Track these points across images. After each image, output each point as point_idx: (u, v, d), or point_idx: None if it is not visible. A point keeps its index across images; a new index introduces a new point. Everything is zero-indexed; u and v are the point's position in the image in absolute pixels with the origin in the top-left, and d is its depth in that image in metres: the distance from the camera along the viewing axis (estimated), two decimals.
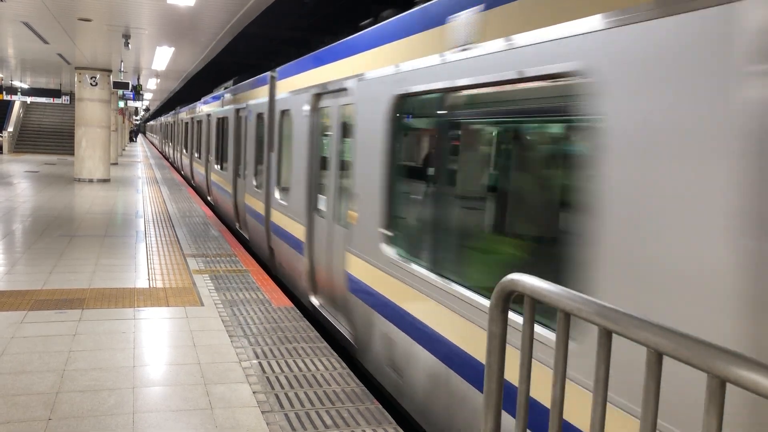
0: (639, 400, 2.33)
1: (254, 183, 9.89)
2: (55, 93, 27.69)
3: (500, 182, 3.68)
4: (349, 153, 5.62)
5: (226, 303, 6.34)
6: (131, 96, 24.86)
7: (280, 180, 8.32)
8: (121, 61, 17.43)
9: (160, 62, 17.36)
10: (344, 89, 5.75)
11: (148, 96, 34.08)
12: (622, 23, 2.49)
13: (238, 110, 11.70)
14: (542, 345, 2.90)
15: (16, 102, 34.59)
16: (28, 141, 36.02)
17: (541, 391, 2.87)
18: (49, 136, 36.93)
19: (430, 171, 4.39)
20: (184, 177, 23.24)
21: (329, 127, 6.35)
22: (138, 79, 22.51)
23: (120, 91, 24.89)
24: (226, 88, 13.87)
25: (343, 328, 5.73)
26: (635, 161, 2.42)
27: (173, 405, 3.95)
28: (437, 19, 3.96)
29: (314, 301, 6.66)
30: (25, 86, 28.11)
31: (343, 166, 5.92)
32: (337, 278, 5.91)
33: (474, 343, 3.52)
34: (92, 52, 16.07)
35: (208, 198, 15.98)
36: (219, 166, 14.17)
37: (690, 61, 2.21)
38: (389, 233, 4.76)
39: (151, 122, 73.93)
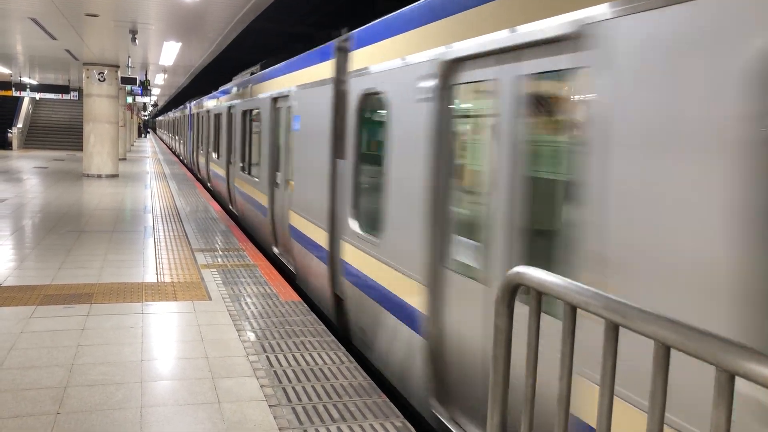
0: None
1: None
2: (64, 89, 27.74)
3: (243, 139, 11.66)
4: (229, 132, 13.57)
5: (233, 297, 6.36)
6: (139, 91, 24.87)
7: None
8: (129, 57, 17.46)
9: (168, 57, 17.38)
10: (232, 106, 13.38)
11: (156, 91, 34.16)
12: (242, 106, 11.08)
13: None
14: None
15: (25, 98, 34.75)
16: (37, 137, 36.23)
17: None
18: (57, 132, 37.14)
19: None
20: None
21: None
22: (146, 74, 22.55)
23: (128, 87, 24.95)
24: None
25: (232, 211, 12.59)
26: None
27: (181, 399, 3.96)
28: (246, 84, 11.26)
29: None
30: (34, 83, 28.18)
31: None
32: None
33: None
34: (100, 47, 16.11)
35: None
36: None
37: None
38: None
39: (160, 118, 73.63)
